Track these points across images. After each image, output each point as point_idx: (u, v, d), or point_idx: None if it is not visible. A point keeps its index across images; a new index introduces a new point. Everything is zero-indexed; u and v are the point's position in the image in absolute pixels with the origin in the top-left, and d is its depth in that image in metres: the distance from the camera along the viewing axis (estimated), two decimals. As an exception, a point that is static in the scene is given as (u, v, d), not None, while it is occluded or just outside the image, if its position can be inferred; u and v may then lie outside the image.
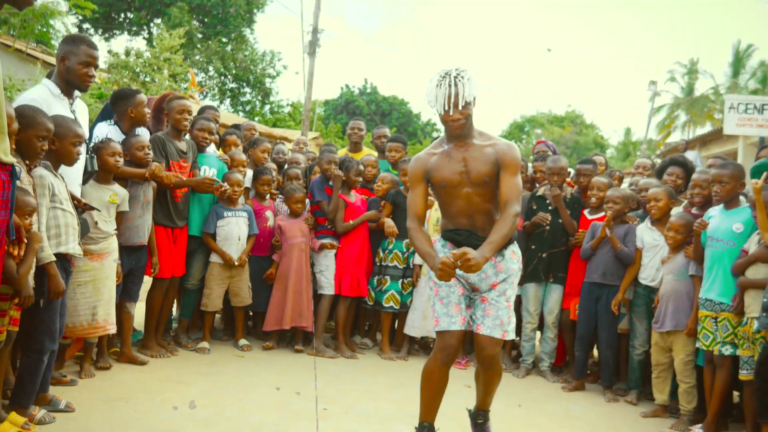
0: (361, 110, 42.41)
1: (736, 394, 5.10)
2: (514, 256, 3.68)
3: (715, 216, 4.79)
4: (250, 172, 6.26)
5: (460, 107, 3.46)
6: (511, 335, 3.67)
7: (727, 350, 4.51)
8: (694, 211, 5.14)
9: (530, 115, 50.67)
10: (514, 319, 3.67)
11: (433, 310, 3.67)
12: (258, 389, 4.79)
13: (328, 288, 6.03)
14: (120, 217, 4.77)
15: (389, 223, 6.07)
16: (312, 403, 4.59)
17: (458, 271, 3.50)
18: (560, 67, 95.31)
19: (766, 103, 9.88)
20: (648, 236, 5.36)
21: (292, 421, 4.19)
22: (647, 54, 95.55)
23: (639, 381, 5.41)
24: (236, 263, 5.74)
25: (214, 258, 5.76)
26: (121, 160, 4.67)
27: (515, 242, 3.72)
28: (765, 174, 3.94)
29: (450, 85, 3.43)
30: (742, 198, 4.82)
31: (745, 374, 4.35)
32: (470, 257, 3.19)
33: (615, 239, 5.41)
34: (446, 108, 3.46)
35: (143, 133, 5.16)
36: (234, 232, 5.75)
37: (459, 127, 3.52)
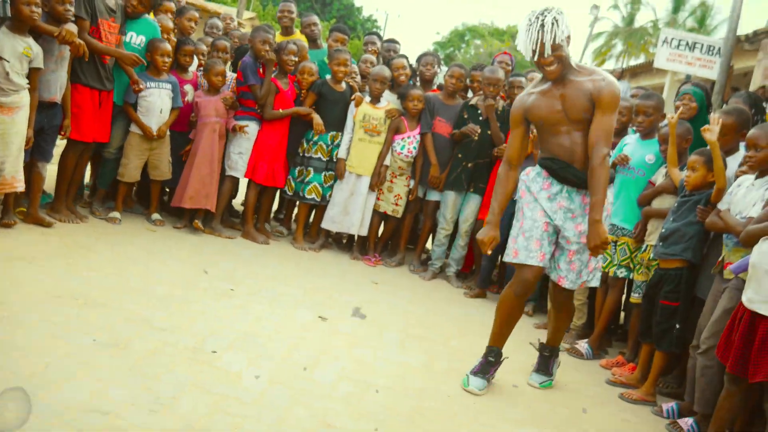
0: (303, -5, 40.97)
1: (622, 315, 5.44)
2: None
3: (630, 144, 4.95)
4: None
5: (546, 55, 3.39)
6: (595, 282, 3.82)
7: (622, 273, 4.76)
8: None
9: (472, 24, 50.15)
10: (599, 269, 3.80)
11: (515, 240, 3.69)
12: (167, 264, 4.78)
13: (239, 171, 5.92)
14: (35, 74, 4.52)
15: (317, 120, 5.95)
16: (220, 282, 4.63)
17: (545, 206, 3.64)
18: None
19: (698, 42, 10.09)
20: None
21: (198, 297, 4.23)
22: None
23: (537, 293, 5.65)
24: (155, 136, 5.58)
25: (134, 128, 5.57)
26: (38, 10, 4.38)
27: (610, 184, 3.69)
28: (715, 116, 4.05)
29: (536, 31, 3.35)
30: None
31: (636, 297, 4.62)
32: (594, 244, 3.42)
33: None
34: (534, 57, 3.42)
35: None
36: (156, 103, 5.55)
37: (553, 72, 3.47)
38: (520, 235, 3.67)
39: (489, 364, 3.76)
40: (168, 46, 5.58)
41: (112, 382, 2.90)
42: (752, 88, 9.16)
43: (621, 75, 14.55)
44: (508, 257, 3.71)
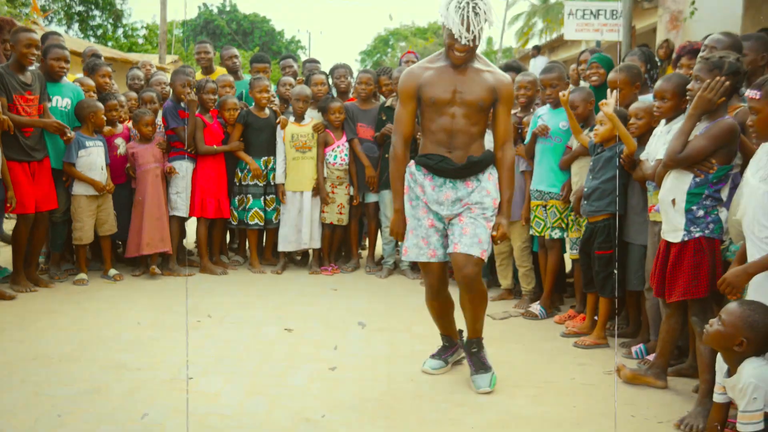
0: (222, 30, 41.03)
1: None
2: (491, 178, 3.63)
3: (544, 114, 5.29)
4: None
5: (468, 40, 3.33)
6: (488, 254, 3.61)
7: (556, 234, 5.09)
8: (518, 113, 5.59)
9: (394, 28, 50.77)
10: (490, 242, 3.62)
11: (406, 237, 3.69)
12: (132, 311, 4.98)
13: (181, 210, 6.14)
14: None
15: (254, 166, 6.21)
16: (184, 317, 4.84)
17: (428, 201, 3.62)
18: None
19: (601, 9, 10.60)
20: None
21: (166, 334, 4.45)
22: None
23: (487, 270, 5.95)
24: (106, 189, 5.77)
25: (79, 190, 5.72)
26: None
27: (493, 165, 3.67)
28: (612, 92, 4.38)
29: (467, 15, 3.28)
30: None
31: (573, 253, 4.96)
32: (501, 233, 3.56)
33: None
34: (458, 36, 3.32)
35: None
36: (97, 161, 5.75)
37: (462, 58, 3.43)
38: (408, 233, 3.68)
39: (444, 349, 4.02)
40: (100, 105, 5.78)
41: (99, 422, 3.12)
42: (658, 42, 9.67)
43: (538, 52, 15.12)
44: (402, 255, 3.80)
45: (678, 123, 3.55)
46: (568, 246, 5.17)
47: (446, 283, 3.78)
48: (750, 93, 2.87)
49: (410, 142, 3.68)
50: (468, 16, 3.28)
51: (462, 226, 3.55)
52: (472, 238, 3.52)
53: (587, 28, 10.55)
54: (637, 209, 4.35)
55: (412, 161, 3.70)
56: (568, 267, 5.62)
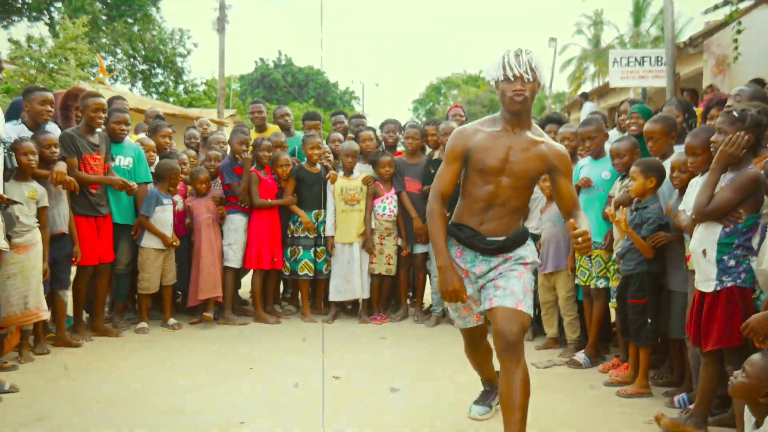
0: (278, 83, 42.29)
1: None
2: (527, 248, 3.50)
3: (586, 166, 5.42)
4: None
5: (528, 79, 3.21)
6: (528, 309, 3.32)
7: (601, 283, 5.16)
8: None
9: (446, 77, 51.47)
10: (530, 296, 3.38)
11: (450, 308, 3.71)
12: (189, 357, 5.23)
13: (234, 261, 6.43)
14: (43, 212, 5.07)
15: (306, 219, 6.50)
16: (239, 364, 5.06)
17: (458, 263, 3.48)
18: (464, 28, 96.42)
19: (646, 56, 10.69)
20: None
21: (221, 381, 4.67)
22: (550, 10, 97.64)
23: (533, 318, 6.02)
24: (173, 243, 6.13)
25: (149, 243, 6.07)
26: (35, 158, 4.95)
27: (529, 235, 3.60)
28: (623, 210, 4.57)
29: (526, 55, 3.21)
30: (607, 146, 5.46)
31: (614, 302, 5.02)
32: (586, 238, 3.16)
33: None
34: (519, 73, 3.19)
35: (53, 130, 5.44)
36: (168, 218, 6.15)
37: (521, 103, 3.23)
38: (448, 306, 3.69)
39: (486, 393, 4.14)
40: (178, 167, 6.23)
41: (156, 463, 3.33)
42: (704, 88, 9.70)
43: (586, 99, 15.23)
44: (454, 324, 3.84)
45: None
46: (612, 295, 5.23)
47: (485, 336, 3.84)
48: None
49: (447, 201, 3.48)
50: (526, 56, 3.21)
51: (495, 282, 3.40)
52: (504, 290, 3.33)
53: (632, 75, 10.64)
54: (678, 258, 4.42)
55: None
56: (614, 317, 5.66)
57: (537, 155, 3.34)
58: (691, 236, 3.80)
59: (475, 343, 3.84)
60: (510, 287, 3.32)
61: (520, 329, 3.24)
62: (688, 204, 3.95)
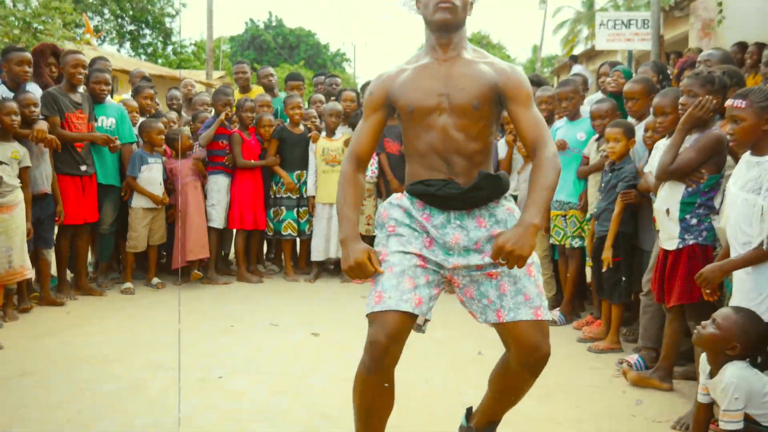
0: (268, 44, 41.90)
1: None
2: (511, 210, 2.66)
3: (562, 127, 5.48)
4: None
5: None
6: (548, 314, 2.57)
7: (576, 243, 5.26)
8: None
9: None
10: (544, 294, 2.60)
11: (377, 281, 2.50)
12: (172, 316, 5.32)
13: (217, 221, 6.50)
14: (25, 172, 5.10)
15: (288, 180, 6.57)
16: (221, 322, 5.17)
17: (428, 228, 2.61)
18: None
19: (632, 19, 10.69)
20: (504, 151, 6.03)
21: (202, 338, 4.78)
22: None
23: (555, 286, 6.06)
24: (162, 200, 6.16)
25: (138, 203, 6.12)
26: (18, 118, 4.98)
27: (509, 196, 2.71)
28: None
29: None
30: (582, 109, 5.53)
31: (590, 261, 5.13)
32: (509, 247, 2.34)
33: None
34: None
35: (34, 90, 5.45)
36: (156, 176, 6.17)
37: (451, 9, 2.50)
38: (386, 270, 2.50)
39: None
40: (161, 125, 6.23)
41: (135, 415, 3.44)
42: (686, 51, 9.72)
43: (575, 61, 15.20)
44: (369, 305, 2.48)
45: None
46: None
47: (400, 349, 2.47)
48: (734, 102, 2.95)
49: (365, 165, 2.71)
50: None
51: (497, 284, 2.56)
52: (515, 296, 2.54)
53: (618, 38, 10.64)
54: (649, 220, 4.52)
55: (400, 194, 2.73)
56: (589, 275, 5.77)
57: (476, 77, 2.54)
58: (656, 197, 3.90)
59: (373, 357, 2.45)
60: (522, 291, 2.54)
61: (547, 346, 2.53)
62: (653, 166, 4.04)
